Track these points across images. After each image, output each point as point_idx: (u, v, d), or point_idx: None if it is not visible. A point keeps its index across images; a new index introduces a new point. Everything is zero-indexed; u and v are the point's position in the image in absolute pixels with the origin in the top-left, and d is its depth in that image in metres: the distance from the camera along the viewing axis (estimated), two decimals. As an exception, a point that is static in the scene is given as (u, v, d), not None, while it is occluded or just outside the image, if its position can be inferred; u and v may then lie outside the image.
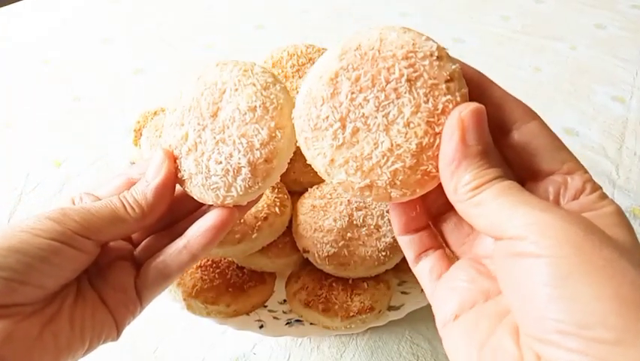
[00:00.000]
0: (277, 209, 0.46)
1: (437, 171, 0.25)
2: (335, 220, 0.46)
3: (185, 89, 0.32)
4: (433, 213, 0.31)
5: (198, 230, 0.32)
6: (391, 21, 1.16)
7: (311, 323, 0.47)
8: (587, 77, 0.92)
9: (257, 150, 0.29)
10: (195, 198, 0.32)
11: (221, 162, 0.29)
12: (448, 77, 0.26)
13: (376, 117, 0.26)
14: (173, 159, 0.32)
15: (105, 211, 0.30)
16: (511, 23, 1.10)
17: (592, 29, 1.07)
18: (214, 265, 0.49)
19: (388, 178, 0.26)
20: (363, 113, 0.26)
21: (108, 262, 0.32)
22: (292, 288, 0.49)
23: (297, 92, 0.29)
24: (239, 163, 0.29)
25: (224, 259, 0.49)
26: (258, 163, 0.29)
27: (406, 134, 0.26)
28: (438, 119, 0.25)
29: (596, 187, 0.24)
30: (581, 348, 0.19)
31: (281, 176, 0.51)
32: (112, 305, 0.31)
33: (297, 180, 0.51)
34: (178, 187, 0.33)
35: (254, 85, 0.30)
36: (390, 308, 0.48)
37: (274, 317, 0.48)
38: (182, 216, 0.36)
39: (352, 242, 0.45)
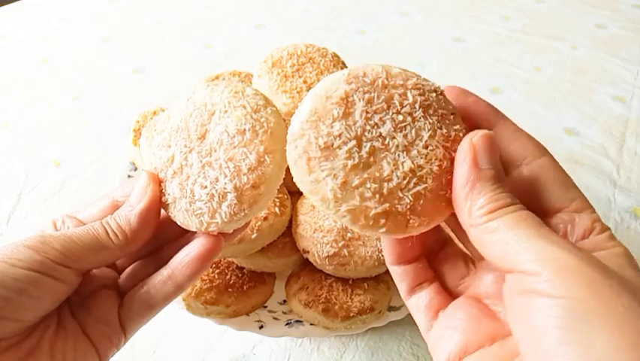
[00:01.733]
0: (277, 209, 0.46)
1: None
2: (335, 220, 0.45)
3: (173, 109, 0.31)
4: (428, 250, 0.30)
5: (182, 260, 0.30)
6: (391, 21, 1.16)
7: (311, 324, 0.47)
8: (588, 76, 0.92)
9: (244, 175, 0.28)
10: (178, 223, 0.30)
11: (206, 187, 0.28)
12: (453, 111, 0.26)
13: (395, 137, 0.25)
14: (158, 183, 0.30)
15: (86, 238, 0.28)
16: (512, 23, 1.10)
17: (592, 29, 1.07)
18: (214, 265, 0.49)
19: (410, 202, 0.24)
20: (380, 133, 0.25)
21: (91, 291, 0.31)
22: (292, 288, 0.49)
23: (295, 110, 0.27)
24: (225, 188, 0.28)
25: (224, 259, 0.49)
26: (244, 189, 0.28)
27: (426, 155, 0.25)
28: (452, 146, 0.25)
29: (605, 227, 0.23)
30: None
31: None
32: (94, 337, 0.29)
33: (297, 180, 0.51)
34: (163, 211, 0.32)
35: (244, 107, 0.29)
36: (391, 309, 0.48)
37: (274, 318, 0.48)
38: (168, 241, 0.34)
39: (352, 242, 0.45)
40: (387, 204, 0.24)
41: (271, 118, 0.28)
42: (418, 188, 0.25)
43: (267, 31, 1.09)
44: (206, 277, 0.47)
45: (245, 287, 0.47)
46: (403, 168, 0.25)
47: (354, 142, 0.25)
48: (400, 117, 0.25)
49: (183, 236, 0.33)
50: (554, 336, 0.19)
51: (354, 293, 0.46)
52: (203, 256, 0.30)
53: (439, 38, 1.05)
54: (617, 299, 0.19)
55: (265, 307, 0.49)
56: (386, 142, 0.25)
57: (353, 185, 0.25)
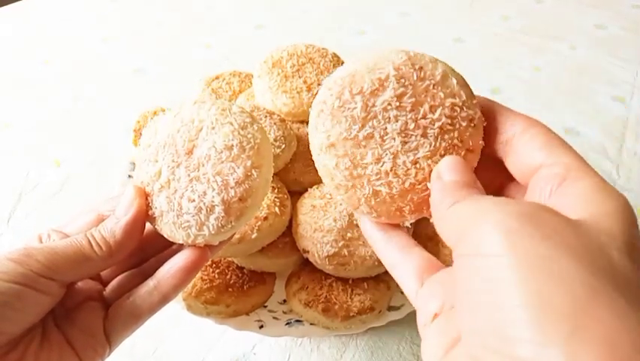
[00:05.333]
0: (277, 209, 0.46)
1: (410, 213, 0.26)
2: (335, 220, 0.46)
3: (160, 125, 0.32)
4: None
5: (169, 271, 0.31)
6: (391, 21, 1.16)
7: (311, 324, 0.47)
8: (587, 77, 0.92)
9: (231, 188, 0.29)
10: (165, 236, 0.31)
11: (194, 200, 0.29)
12: (471, 148, 0.26)
13: (394, 139, 0.26)
14: (145, 197, 0.31)
15: (70, 250, 0.28)
16: (511, 23, 1.10)
17: (592, 29, 1.07)
18: (214, 265, 0.49)
19: (367, 194, 0.26)
20: (386, 128, 0.26)
21: (75, 303, 0.31)
22: (292, 288, 0.49)
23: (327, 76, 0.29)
24: (212, 202, 0.29)
25: (224, 259, 0.49)
26: (232, 202, 0.29)
27: (408, 170, 0.26)
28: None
29: (585, 175, 0.22)
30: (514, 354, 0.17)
31: (281, 176, 0.52)
32: (79, 349, 0.29)
33: (297, 180, 0.51)
34: (149, 225, 0.32)
35: (231, 124, 0.30)
36: (391, 308, 0.48)
37: (274, 317, 0.48)
38: (153, 254, 0.35)
39: (352, 242, 0.45)
40: (350, 183, 0.27)
41: (257, 135, 0.30)
42: (382, 189, 0.26)
43: (267, 31, 1.09)
44: (206, 277, 0.47)
45: (245, 287, 0.47)
46: (381, 166, 0.26)
47: (359, 123, 0.26)
48: (413, 125, 0.26)
49: (169, 248, 0.34)
50: (478, 299, 0.19)
51: (354, 293, 0.46)
52: (188, 268, 0.31)
53: (439, 38, 1.05)
54: (536, 250, 0.17)
55: (265, 306, 0.49)
56: (384, 138, 0.26)
57: (335, 153, 0.27)
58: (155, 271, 0.31)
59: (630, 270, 0.18)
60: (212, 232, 0.29)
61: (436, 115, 0.26)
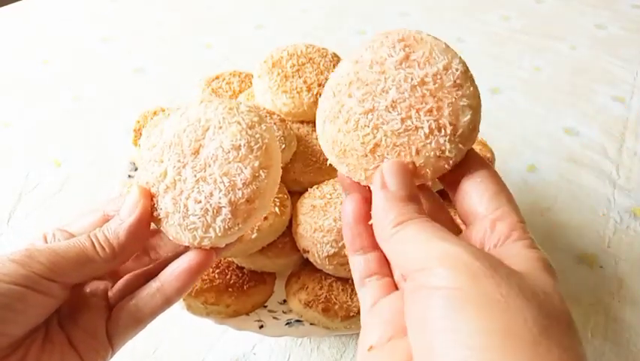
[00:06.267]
0: (277, 209, 0.46)
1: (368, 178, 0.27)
2: (335, 220, 0.46)
3: (166, 124, 0.31)
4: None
5: (172, 273, 0.30)
6: (391, 21, 1.16)
7: (311, 324, 0.47)
8: (587, 77, 0.92)
9: (239, 189, 0.28)
10: (171, 238, 0.30)
11: (200, 201, 0.28)
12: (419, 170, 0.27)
13: (393, 114, 0.27)
14: (149, 198, 0.30)
15: (72, 252, 0.28)
16: (511, 23, 1.10)
17: (592, 29, 1.07)
18: (214, 265, 0.49)
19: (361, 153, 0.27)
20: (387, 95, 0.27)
21: (80, 302, 0.31)
22: (292, 288, 0.49)
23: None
24: (219, 203, 0.28)
25: (224, 259, 0.49)
26: (239, 203, 0.28)
27: (400, 134, 0.26)
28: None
29: (526, 236, 0.24)
30: None
31: (281, 176, 0.52)
32: (82, 350, 0.29)
33: (297, 180, 0.51)
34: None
35: (239, 123, 0.29)
36: (391, 308, 0.48)
37: (274, 317, 0.48)
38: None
39: (352, 242, 0.45)
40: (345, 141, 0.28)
41: (266, 134, 0.29)
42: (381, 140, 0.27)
43: (267, 31, 1.09)
44: (206, 277, 0.47)
45: (245, 287, 0.47)
46: (385, 134, 0.27)
47: (374, 85, 0.27)
48: (417, 96, 0.26)
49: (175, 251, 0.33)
50: (435, 325, 0.20)
51: (354, 293, 0.46)
52: (192, 270, 0.30)
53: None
54: (496, 289, 0.19)
55: (265, 306, 0.49)
56: (390, 110, 0.27)
57: (344, 108, 0.28)
58: (159, 273, 0.31)
59: (568, 315, 0.20)
60: (219, 234, 0.29)
61: (424, 116, 0.26)
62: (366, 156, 0.27)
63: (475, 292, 0.19)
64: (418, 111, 0.26)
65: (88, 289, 0.32)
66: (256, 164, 0.28)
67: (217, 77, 0.66)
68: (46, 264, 0.27)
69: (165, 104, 0.66)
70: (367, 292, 0.28)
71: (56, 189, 0.69)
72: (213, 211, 0.28)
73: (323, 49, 0.58)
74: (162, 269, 0.31)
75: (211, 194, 0.28)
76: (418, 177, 0.27)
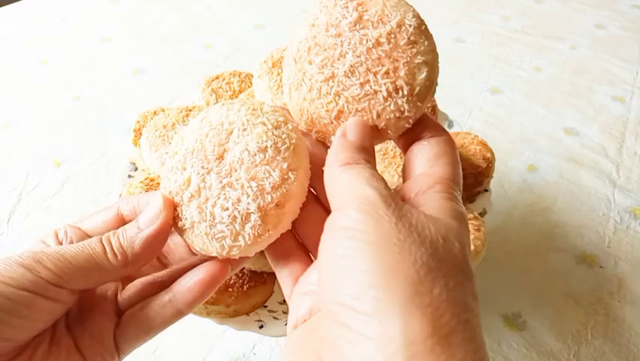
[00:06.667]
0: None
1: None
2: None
3: (186, 131, 0.30)
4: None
5: (185, 285, 0.29)
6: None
7: (311, 323, 0.47)
8: (587, 76, 0.92)
9: (268, 193, 0.26)
10: (197, 249, 0.28)
11: (227, 208, 0.27)
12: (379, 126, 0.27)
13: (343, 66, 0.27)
14: (173, 209, 0.29)
15: (81, 257, 0.27)
16: (511, 23, 1.10)
17: (592, 29, 1.07)
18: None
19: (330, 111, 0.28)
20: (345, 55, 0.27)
21: (89, 306, 0.30)
22: (292, 288, 0.49)
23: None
24: (248, 209, 0.26)
25: (224, 259, 0.49)
26: (268, 208, 0.26)
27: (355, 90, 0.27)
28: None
29: (449, 190, 0.24)
30: (347, 321, 0.20)
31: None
32: (88, 355, 0.28)
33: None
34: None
35: (264, 124, 0.28)
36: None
37: (274, 317, 0.48)
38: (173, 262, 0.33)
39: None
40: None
41: (292, 134, 0.28)
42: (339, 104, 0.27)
43: (267, 31, 1.09)
44: (206, 277, 0.47)
45: (245, 287, 0.47)
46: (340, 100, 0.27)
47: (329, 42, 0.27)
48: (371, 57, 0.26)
49: (189, 259, 0.32)
50: (337, 263, 0.21)
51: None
52: (206, 283, 0.29)
53: (439, 38, 1.04)
54: (395, 234, 0.21)
55: (265, 306, 0.49)
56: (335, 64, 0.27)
57: (307, 76, 0.28)
58: (172, 281, 0.30)
59: (463, 262, 0.21)
60: (249, 242, 0.27)
61: (382, 79, 0.26)
62: (332, 123, 0.28)
63: (376, 235, 0.21)
64: (375, 75, 0.26)
65: (97, 291, 0.31)
66: (284, 166, 0.27)
67: (217, 77, 0.66)
68: (54, 270, 0.26)
69: (165, 104, 0.66)
70: (285, 269, 0.29)
71: (56, 189, 0.69)
72: (242, 218, 0.27)
73: (323, 49, 0.58)
74: (176, 278, 0.30)
75: (238, 200, 0.27)
76: (382, 138, 0.27)
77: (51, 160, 0.74)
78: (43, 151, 0.76)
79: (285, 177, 0.27)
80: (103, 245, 0.27)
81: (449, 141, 0.27)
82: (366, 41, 0.26)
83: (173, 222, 0.29)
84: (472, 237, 0.46)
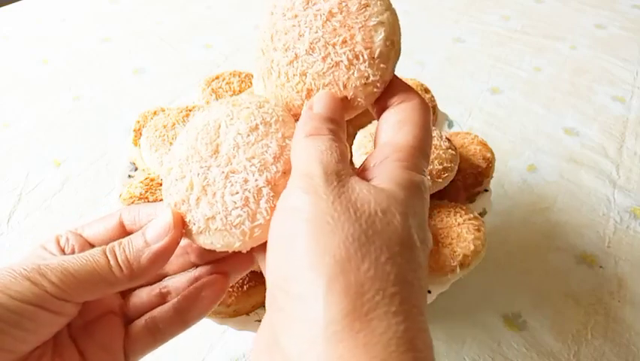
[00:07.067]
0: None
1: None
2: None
3: (175, 146, 0.30)
4: None
5: (190, 297, 0.30)
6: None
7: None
8: (587, 76, 0.92)
9: (271, 164, 0.26)
10: (218, 247, 0.27)
11: (237, 192, 0.26)
12: (349, 97, 0.27)
13: (303, 44, 0.27)
14: (181, 226, 0.28)
15: (85, 271, 0.26)
16: (511, 23, 1.10)
17: (592, 29, 1.07)
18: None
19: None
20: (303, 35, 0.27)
21: (95, 316, 0.30)
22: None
23: None
24: (257, 185, 0.26)
25: (224, 259, 0.49)
26: (277, 178, 0.26)
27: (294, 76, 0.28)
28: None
29: (408, 158, 0.24)
30: (282, 304, 0.20)
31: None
32: None
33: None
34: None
35: (248, 107, 0.28)
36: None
37: (274, 317, 0.48)
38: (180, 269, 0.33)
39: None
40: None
41: (277, 108, 0.29)
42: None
43: (267, 31, 1.08)
44: (206, 277, 0.47)
45: (245, 287, 0.47)
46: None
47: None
48: (322, 43, 0.26)
49: (195, 266, 0.32)
50: (276, 243, 0.22)
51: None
52: (211, 296, 0.30)
53: (439, 38, 1.05)
54: (331, 213, 0.20)
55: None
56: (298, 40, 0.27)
57: (274, 63, 0.28)
58: (177, 292, 0.31)
59: (402, 233, 0.20)
60: (267, 217, 0.26)
61: (341, 49, 0.26)
62: (304, 103, 0.28)
63: (314, 215, 0.20)
64: (334, 46, 0.26)
65: (104, 301, 0.31)
66: (279, 135, 0.27)
67: (217, 77, 0.66)
68: (58, 283, 0.25)
69: (165, 104, 0.66)
70: None
71: (56, 189, 0.69)
72: (254, 196, 0.26)
73: (323, 49, 0.58)
74: (180, 289, 0.31)
75: (245, 180, 0.26)
76: (355, 108, 0.27)
77: (51, 160, 0.74)
78: (43, 151, 0.76)
79: (283, 144, 0.27)
80: (107, 258, 0.27)
81: (417, 106, 0.26)
82: (320, 16, 0.26)
83: (185, 231, 0.28)
84: (472, 237, 0.46)
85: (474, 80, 0.91)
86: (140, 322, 0.30)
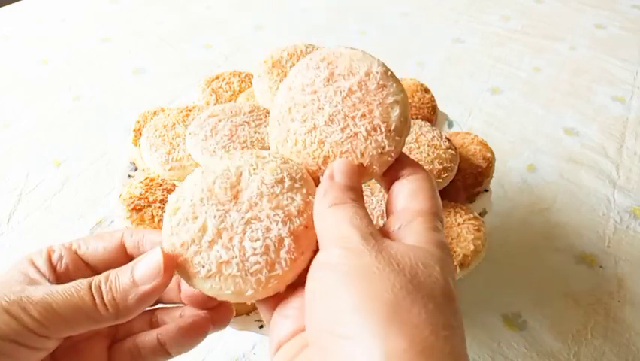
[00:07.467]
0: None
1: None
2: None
3: (185, 185, 0.30)
4: None
5: (173, 331, 0.30)
6: (391, 21, 1.16)
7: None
8: (587, 77, 0.92)
9: (295, 217, 0.27)
10: (226, 294, 0.27)
11: (258, 239, 0.27)
12: (365, 165, 0.29)
13: (323, 115, 0.29)
14: (173, 269, 0.27)
15: (69, 306, 0.25)
16: (511, 23, 1.10)
17: (592, 29, 1.07)
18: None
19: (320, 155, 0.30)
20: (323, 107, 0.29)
21: (80, 340, 0.29)
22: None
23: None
24: (280, 234, 0.27)
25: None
26: (299, 231, 0.27)
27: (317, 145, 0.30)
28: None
29: (430, 220, 0.25)
30: (331, 346, 0.20)
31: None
32: None
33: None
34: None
35: (273, 161, 0.29)
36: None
37: (274, 317, 0.48)
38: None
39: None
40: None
41: (300, 167, 0.30)
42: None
43: (267, 31, 1.09)
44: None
45: (245, 287, 0.47)
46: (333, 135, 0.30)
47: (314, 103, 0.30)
48: (342, 116, 0.29)
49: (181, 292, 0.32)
50: (320, 295, 0.22)
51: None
52: (193, 335, 0.31)
53: (439, 38, 1.05)
54: (375, 264, 0.22)
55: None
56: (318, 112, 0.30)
57: (291, 132, 0.30)
58: (161, 322, 0.31)
59: (443, 285, 0.22)
60: (286, 268, 0.26)
61: (360, 122, 0.29)
62: (320, 169, 0.30)
63: (356, 267, 0.22)
64: (353, 119, 0.29)
65: None
66: (304, 191, 0.28)
67: (217, 77, 0.66)
68: (39, 319, 0.24)
69: (165, 104, 0.66)
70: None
71: (56, 189, 0.69)
72: (275, 245, 0.26)
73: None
74: (164, 316, 0.31)
75: (268, 229, 0.27)
76: (368, 175, 0.29)
77: (51, 160, 0.74)
78: (43, 151, 0.76)
79: (307, 200, 0.28)
80: (92, 295, 0.26)
81: (427, 177, 0.28)
82: (340, 92, 0.29)
83: (188, 274, 0.27)
84: (472, 237, 0.46)
85: (474, 80, 0.91)
86: (125, 346, 0.30)
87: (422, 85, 0.62)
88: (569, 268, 0.59)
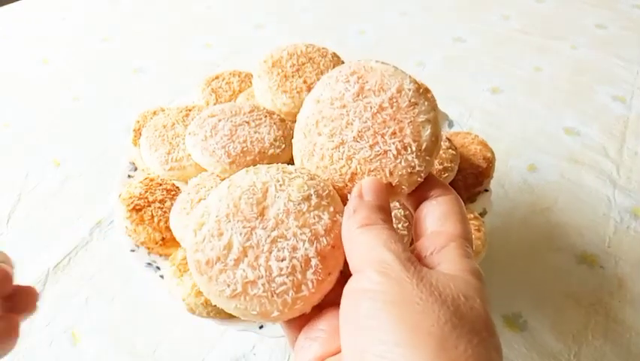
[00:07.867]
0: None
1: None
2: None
3: (210, 201, 0.29)
4: None
5: None
6: (391, 21, 1.16)
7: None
8: (588, 76, 0.92)
9: (322, 236, 0.27)
10: (252, 315, 0.26)
11: (284, 259, 0.26)
12: (394, 184, 0.28)
13: (352, 131, 0.29)
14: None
15: None
16: (512, 23, 1.10)
17: (593, 29, 1.07)
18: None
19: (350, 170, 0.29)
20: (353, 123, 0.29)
21: None
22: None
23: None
24: (307, 254, 0.26)
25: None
26: (326, 250, 0.26)
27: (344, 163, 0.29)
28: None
29: (462, 247, 0.25)
30: None
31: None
32: None
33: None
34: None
35: (300, 177, 0.29)
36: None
37: (274, 318, 0.48)
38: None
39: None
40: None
41: (327, 183, 0.29)
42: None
43: (267, 31, 1.09)
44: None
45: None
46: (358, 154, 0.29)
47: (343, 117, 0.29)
48: (371, 133, 0.28)
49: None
50: (360, 323, 0.22)
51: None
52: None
53: (439, 38, 1.05)
54: (417, 294, 0.21)
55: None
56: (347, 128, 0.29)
57: (317, 146, 0.30)
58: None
59: (485, 317, 0.22)
60: (312, 290, 0.26)
61: (390, 139, 0.28)
62: (347, 185, 0.29)
63: (398, 296, 0.21)
64: (383, 136, 0.28)
65: None
66: (331, 209, 0.28)
67: (217, 77, 0.66)
68: None
69: (165, 104, 0.66)
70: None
71: (56, 189, 0.69)
72: (301, 265, 0.26)
73: (323, 49, 0.58)
74: None
75: (294, 248, 0.26)
76: (397, 194, 0.28)
77: (51, 160, 0.74)
78: (43, 151, 0.76)
79: (335, 219, 0.27)
80: None
81: (457, 200, 0.28)
82: (371, 108, 0.28)
83: (211, 293, 0.28)
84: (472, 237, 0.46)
85: (474, 80, 0.91)
86: None
87: (422, 85, 0.61)
88: (570, 268, 0.59)
